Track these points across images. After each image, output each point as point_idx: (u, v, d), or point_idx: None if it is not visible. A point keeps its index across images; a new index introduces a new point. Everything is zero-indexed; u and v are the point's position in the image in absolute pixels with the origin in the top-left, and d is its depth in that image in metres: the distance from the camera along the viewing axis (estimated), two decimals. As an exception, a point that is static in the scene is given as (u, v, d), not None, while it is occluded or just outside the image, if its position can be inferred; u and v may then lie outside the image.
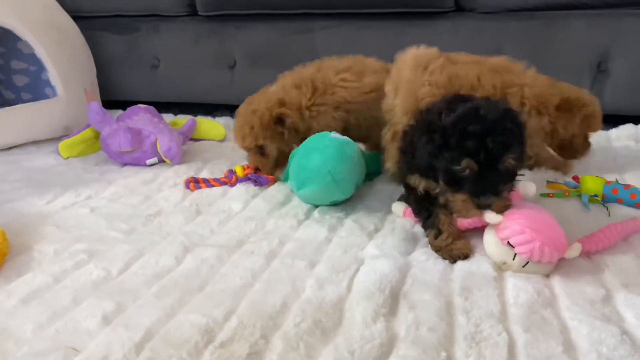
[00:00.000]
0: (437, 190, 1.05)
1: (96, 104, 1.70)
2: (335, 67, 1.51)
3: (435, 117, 1.00)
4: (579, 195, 1.31)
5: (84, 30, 2.23)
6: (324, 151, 1.25)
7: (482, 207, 0.98)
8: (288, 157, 1.45)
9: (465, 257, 1.03)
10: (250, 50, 2.21)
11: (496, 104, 0.98)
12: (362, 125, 1.54)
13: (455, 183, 0.98)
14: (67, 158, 1.78)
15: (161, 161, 1.70)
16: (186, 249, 1.11)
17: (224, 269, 1.03)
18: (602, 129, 1.84)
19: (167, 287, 0.97)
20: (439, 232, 1.07)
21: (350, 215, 1.27)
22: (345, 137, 1.34)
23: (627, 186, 1.28)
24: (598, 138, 1.77)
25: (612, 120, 1.89)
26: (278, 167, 1.52)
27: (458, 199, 0.99)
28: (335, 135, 1.34)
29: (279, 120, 1.44)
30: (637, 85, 1.87)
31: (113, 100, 2.38)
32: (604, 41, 1.89)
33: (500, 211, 0.99)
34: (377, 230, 1.20)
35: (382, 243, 1.11)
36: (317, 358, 0.77)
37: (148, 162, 1.67)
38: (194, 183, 1.47)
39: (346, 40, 2.11)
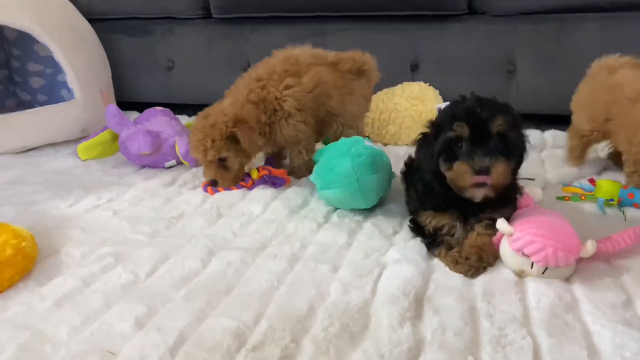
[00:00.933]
0: (446, 229, 1.11)
1: (114, 107, 1.72)
2: (276, 74, 1.53)
3: (427, 126, 1.11)
4: (595, 199, 1.33)
5: (98, 33, 2.26)
6: (357, 158, 1.27)
7: (479, 171, 0.99)
8: (243, 171, 1.52)
9: (485, 267, 1.04)
10: (264, 52, 2.20)
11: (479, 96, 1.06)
12: (318, 120, 1.62)
13: (453, 158, 1.03)
14: (85, 160, 1.81)
15: (179, 163, 1.72)
16: (211, 252, 1.13)
17: (249, 272, 1.05)
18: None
19: (195, 290, 0.99)
20: (450, 247, 1.08)
21: (369, 219, 1.29)
22: (380, 149, 1.36)
23: (644, 191, 1.29)
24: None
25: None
26: (236, 179, 1.52)
27: (455, 167, 1.02)
28: (369, 143, 1.36)
29: (233, 137, 1.44)
30: (649, 88, 1.88)
31: (127, 102, 2.40)
32: (616, 43, 1.90)
33: (499, 178, 1.00)
34: (395, 233, 1.22)
35: (404, 247, 1.13)
36: (348, 362, 0.79)
37: (167, 164, 1.69)
38: (212, 186, 1.50)
39: (359, 43, 2.11)
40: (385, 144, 1.92)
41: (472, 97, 1.06)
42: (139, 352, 0.81)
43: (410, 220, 1.21)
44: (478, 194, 1.04)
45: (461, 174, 1.02)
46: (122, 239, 1.22)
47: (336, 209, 1.35)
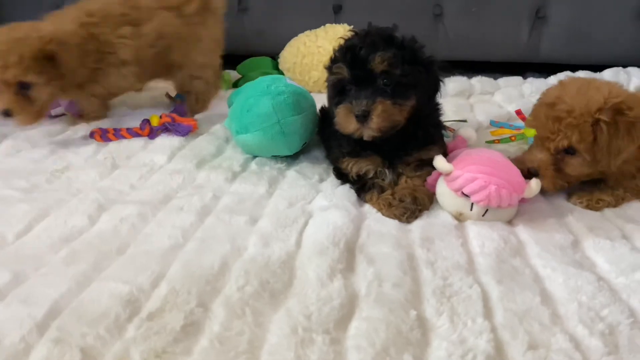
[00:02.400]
0: (371, 175, 0.99)
1: (-15, 44, 1.43)
2: (112, 17, 1.30)
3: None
4: (525, 138, 1.26)
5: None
6: (277, 97, 1.11)
7: (359, 116, 0.91)
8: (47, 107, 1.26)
9: (420, 210, 0.93)
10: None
11: (382, 27, 0.97)
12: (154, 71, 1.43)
13: (342, 100, 0.95)
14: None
15: (69, 111, 1.47)
16: (101, 207, 0.94)
17: (148, 228, 0.88)
18: (541, 77, 1.83)
19: (78, 251, 0.80)
20: (381, 190, 0.96)
21: (292, 166, 1.14)
22: (303, 88, 1.21)
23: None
24: (537, 85, 1.74)
25: (549, 68, 1.86)
26: (40, 116, 1.26)
27: (338, 112, 0.94)
28: (291, 81, 1.19)
29: (50, 59, 1.18)
30: (574, 32, 1.85)
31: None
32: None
33: (380, 120, 0.90)
34: (322, 180, 1.09)
35: (331, 194, 0.99)
36: (268, 325, 0.64)
37: (53, 112, 1.44)
38: (101, 133, 1.28)
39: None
40: (309, 92, 1.76)
41: (361, 32, 0.96)
42: (-6, 331, 0.62)
43: (334, 169, 1.08)
44: (366, 134, 0.94)
45: (343, 119, 0.93)
46: (-11, 196, 0.99)
47: (255, 156, 1.19)
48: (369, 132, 0.93)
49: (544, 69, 1.89)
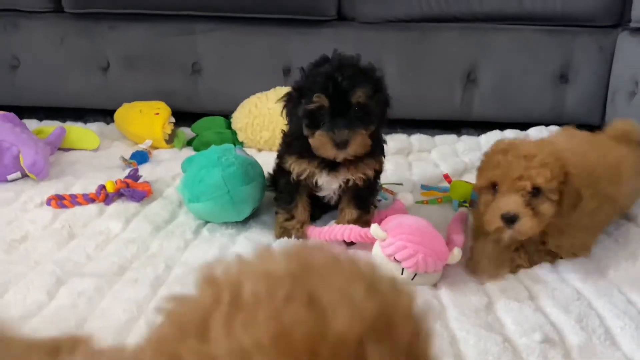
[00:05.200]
0: (306, 175, 1.13)
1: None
2: None
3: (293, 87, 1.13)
4: (451, 200, 1.40)
5: None
6: (227, 169, 1.20)
7: (339, 144, 1.03)
8: None
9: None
10: (126, 51, 2.06)
11: (349, 56, 1.08)
12: None
13: (315, 125, 1.05)
14: None
15: (25, 176, 1.52)
16: (59, 281, 0.99)
17: (104, 302, 0.94)
18: (473, 134, 1.99)
19: (38, 329, 0.86)
20: (291, 218, 1.19)
21: (242, 232, 1.23)
22: (251, 158, 1.31)
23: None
24: (469, 143, 1.89)
25: (480, 126, 2.04)
26: None
27: (317, 137, 1.05)
28: (240, 152, 1.29)
29: None
30: (502, 94, 2.04)
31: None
32: (473, 52, 2.03)
33: (358, 149, 1.05)
34: (270, 245, 1.18)
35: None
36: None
37: (9, 177, 1.49)
38: (58, 200, 1.33)
39: (229, 44, 2.05)
40: (260, 150, 1.87)
41: (334, 57, 1.07)
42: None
43: (278, 169, 1.26)
44: (339, 157, 1.07)
45: (322, 145, 1.05)
46: (-55, 271, 1.03)
47: (207, 222, 1.27)
48: (343, 156, 1.07)
49: (477, 126, 2.07)
